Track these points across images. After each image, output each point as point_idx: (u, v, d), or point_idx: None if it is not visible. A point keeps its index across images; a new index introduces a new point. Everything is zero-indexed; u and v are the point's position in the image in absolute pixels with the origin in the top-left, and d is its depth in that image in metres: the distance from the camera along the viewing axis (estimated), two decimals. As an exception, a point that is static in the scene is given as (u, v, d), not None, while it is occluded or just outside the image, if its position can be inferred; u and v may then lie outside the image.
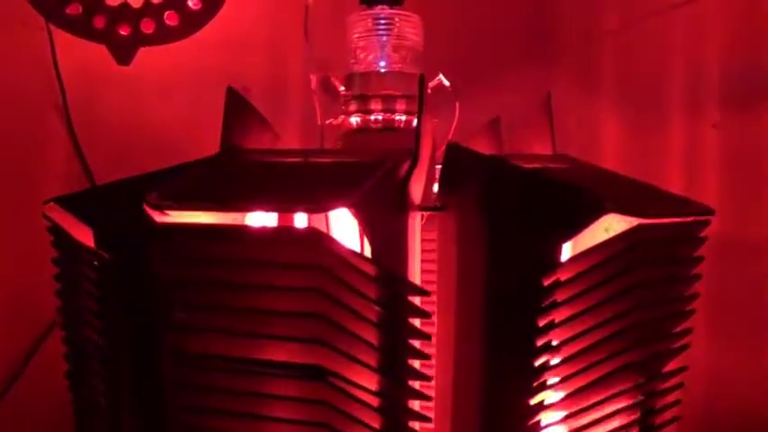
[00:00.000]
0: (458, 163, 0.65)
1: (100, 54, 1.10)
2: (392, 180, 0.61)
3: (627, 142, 1.15)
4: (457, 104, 0.85)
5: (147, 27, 1.10)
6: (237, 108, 0.74)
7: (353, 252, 0.54)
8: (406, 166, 0.64)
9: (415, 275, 0.65)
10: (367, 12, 0.82)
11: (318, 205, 0.52)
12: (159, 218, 0.56)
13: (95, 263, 0.71)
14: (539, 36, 1.19)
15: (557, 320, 0.59)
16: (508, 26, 1.19)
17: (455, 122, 0.87)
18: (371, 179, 0.57)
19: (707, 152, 1.07)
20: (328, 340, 0.53)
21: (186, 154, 1.15)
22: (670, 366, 0.67)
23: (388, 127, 0.80)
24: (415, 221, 0.67)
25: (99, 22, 1.09)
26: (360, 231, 0.58)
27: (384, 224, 0.58)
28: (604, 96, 1.17)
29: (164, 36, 1.11)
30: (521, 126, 0.81)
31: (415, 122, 0.81)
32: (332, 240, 0.53)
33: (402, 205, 0.63)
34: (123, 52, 1.10)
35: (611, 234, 0.59)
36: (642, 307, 0.61)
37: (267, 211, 0.55)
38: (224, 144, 0.72)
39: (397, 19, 0.81)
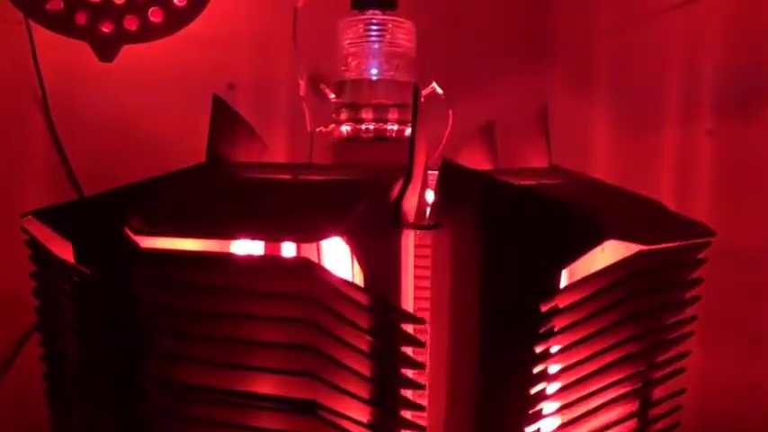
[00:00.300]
0: (452, 180, 0.63)
1: (81, 51, 1.06)
2: (385, 201, 0.58)
3: (620, 146, 1.13)
4: (450, 112, 0.83)
5: (131, 24, 1.06)
6: (224, 117, 0.71)
7: (345, 281, 0.51)
8: (399, 184, 0.61)
9: (408, 297, 0.62)
10: (358, 17, 0.78)
11: (309, 234, 0.49)
12: (142, 243, 0.53)
13: (75, 279, 0.68)
14: (533, 38, 1.16)
15: (554, 348, 0.57)
16: (501, 28, 1.16)
17: (448, 130, 0.84)
18: (364, 202, 0.54)
19: (700, 159, 1.05)
20: (319, 373, 0.51)
21: (171, 153, 1.12)
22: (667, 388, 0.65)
23: (380, 137, 0.77)
24: (409, 240, 0.64)
25: (80, 19, 1.04)
26: (351, 256, 0.56)
27: (377, 248, 0.56)
28: (598, 99, 1.15)
29: (148, 33, 1.07)
30: (517, 137, 0.79)
31: (407, 132, 0.79)
32: (323, 270, 0.50)
33: (395, 226, 0.60)
34: (106, 49, 1.06)
35: (611, 259, 0.56)
36: (642, 335, 0.59)
37: (255, 239, 0.52)
38: (210, 155, 0.69)
39: (389, 25, 0.78)
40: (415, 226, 0.64)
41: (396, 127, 0.77)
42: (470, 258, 0.61)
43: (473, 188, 0.62)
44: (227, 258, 0.52)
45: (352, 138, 0.78)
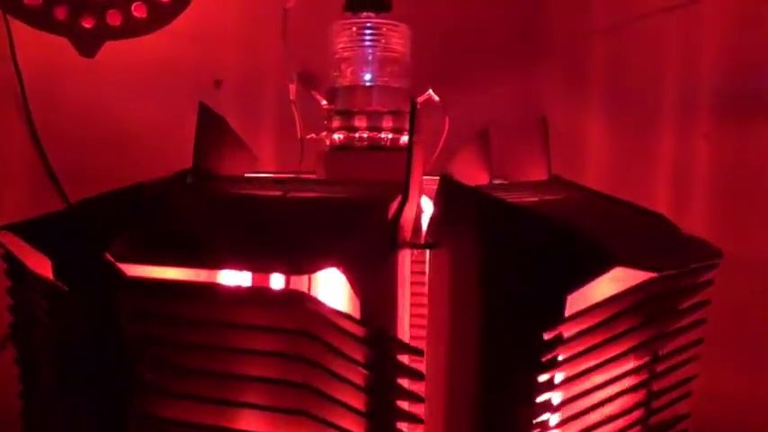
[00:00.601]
0: (451, 197, 0.59)
1: (62, 47, 1.01)
2: (382, 221, 0.55)
3: (613, 149, 1.10)
4: (447, 119, 0.79)
5: (114, 19, 1.01)
6: (210, 125, 0.67)
7: (340, 313, 0.47)
8: (396, 202, 0.58)
9: (405, 322, 0.59)
10: (352, 20, 0.74)
11: (303, 265, 0.45)
12: (124, 269, 0.49)
13: (53, 296, 0.64)
14: (526, 37, 1.12)
15: (557, 377, 0.54)
16: (494, 26, 1.12)
17: (444, 137, 0.80)
18: (359, 226, 0.50)
19: (697, 163, 1.02)
20: (312, 410, 0.47)
21: (154, 152, 1.09)
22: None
23: (374, 145, 0.74)
24: (405, 259, 0.61)
25: (60, 14, 0.99)
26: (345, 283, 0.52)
27: (373, 274, 0.52)
28: (592, 100, 1.11)
29: (131, 29, 1.02)
30: (510, 139, 0.75)
31: (402, 140, 0.75)
32: (316, 302, 0.46)
33: (392, 247, 0.56)
34: (87, 45, 1.01)
35: (617, 284, 0.53)
36: (648, 363, 0.56)
37: (243, 270, 0.49)
38: (196, 167, 0.65)
39: (384, 29, 0.74)
40: (413, 245, 0.60)
41: (390, 135, 0.74)
42: (470, 280, 0.57)
43: (473, 206, 0.59)
44: (214, 289, 0.48)
45: (345, 146, 0.74)
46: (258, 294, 0.48)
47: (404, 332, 0.58)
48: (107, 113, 1.06)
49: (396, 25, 0.75)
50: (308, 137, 0.77)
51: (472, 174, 0.80)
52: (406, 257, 0.60)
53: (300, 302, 0.46)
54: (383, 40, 0.74)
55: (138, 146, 1.06)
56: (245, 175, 0.66)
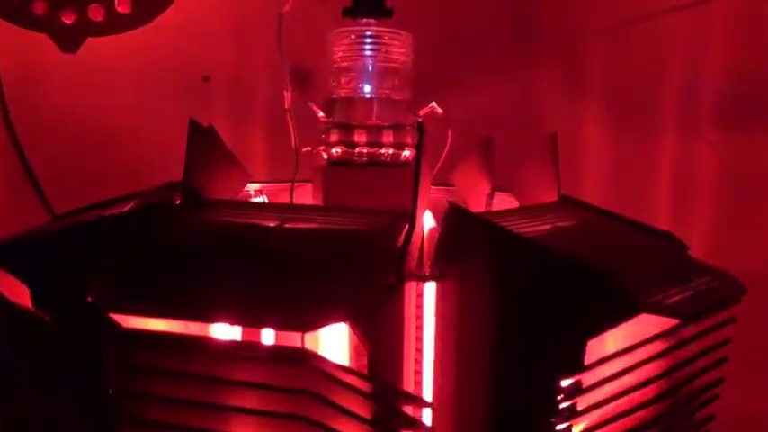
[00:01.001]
0: (461, 227, 0.54)
1: (42, 43, 0.94)
2: (388, 260, 0.50)
3: (614, 153, 1.05)
4: (450, 132, 0.74)
5: (96, 14, 0.95)
6: (201, 144, 0.61)
7: (344, 368, 0.43)
8: (400, 233, 0.53)
9: (410, 361, 0.55)
10: (351, 28, 0.69)
11: (306, 322, 0.40)
12: (110, 316, 0.44)
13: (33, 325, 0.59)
14: (524, 37, 1.07)
15: (574, 427, 0.50)
16: (491, 25, 1.07)
17: (446, 150, 0.75)
18: (364, 269, 0.46)
19: (701, 172, 0.98)
20: (314, 473, 0.43)
21: (139, 151, 1.03)
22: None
23: (374, 161, 0.69)
24: (411, 292, 0.56)
25: (39, 8, 0.93)
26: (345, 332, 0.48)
27: (380, 318, 0.47)
28: (592, 102, 1.06)
29: (115, 24, 0.96)
30: (524, 165, 0.71)
31: (403, 155, 0.70)
32: (320, 359, 0.42)
33: (398, 283, 0.51)
34: (68, 41, 0.95)
35: (641, 329, 0.49)
36: (670, 407, 0.52)
37: (240, 324, 0.44)
38: (185, 189, 0.59)
39: (385, 38, 0.69)
40: (419, 277, 0.56)
41: (391, 151, 0.69)
42: (481, 317, 0.53)
43: (484, 238, 0.54)
44: (205, 342, 0.43)
45: (344, 161, 0.69)
46: (255, 350, 0.43)
47: (409, 374, 0.53)
48: (89, 113, 1.00)
49: (397, 34, 0.69)
50: (303, 150, 0.72)
51: (474, 184, 0.76)
52: (411, 290, 0.56)
53: (302, 360, 0.41)
54: (384, 50, 0.69)
55: (122, 146, 1.01)
56: (238, 196, 0.61)
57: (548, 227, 0.58)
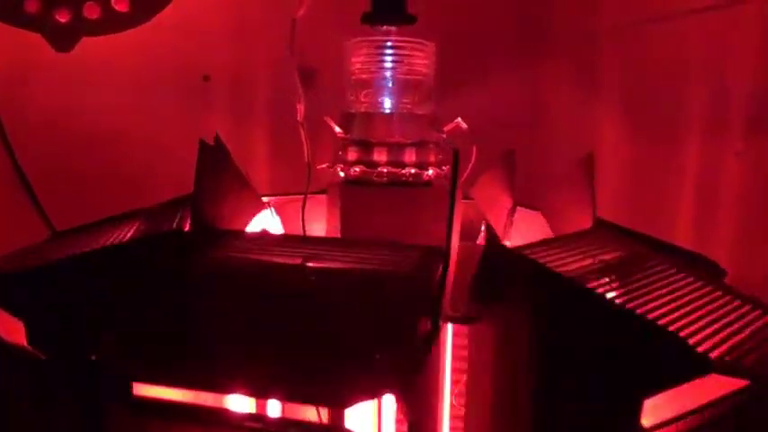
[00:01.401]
0: (501, 268, 0.49)
1: (34, 43, 0.88)
2: (423, 305, 0.45)
3: (629, 155, 0.99)
4: (474, 148, 0.68)
5: (91, 12, 0.88)
6: (211, 167, 0.56)
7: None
8: (435, 274, 0.48)
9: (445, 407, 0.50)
10: (370, 38, 0.63)
11: (345, 398, 0.35)
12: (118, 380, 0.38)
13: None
14: (536, 36, 1.01)
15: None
16: (500, 22, 1.00)
17: (471, 165, 0.70)
18: (401, 327, 0.40)
19: (726, 183, 0.92)
20: None
21: (133, 153, 0.97)
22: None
23: (395, 181, 0.63)
24: (446, 336, 0.51)
25: (32, 7, 0.86)
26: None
27: (420, 373, 0.42)
28: (606, 103, 1.01)
29: (111, 23, 0.90)
30: (557, 184, 0.65)
31: (426, 174, 0.65)
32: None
33: (434, 333, 0.46)
34: (63, 41, 0.89)
35: (704, 390, 0.44)
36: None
37: (273, 398, 0.38)
38: (195, 217, 0.54)
39: (407, 48, 0.63)
40: (452, 318, 0.51)
41: (413, 170, 0.63)
42: (520, 367, 0.48)
43: (529, 280, 0.49)
44: (223, 415, 0.38)
45: (363, 181, 0.63)
46: (285, 427, 0.38)
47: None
48: (84, 112, 0.94)
49: (421, 44, 0.63)
50: (319, 167, 0.66)
51: (495, 198, 0.71)
52: (446, 333, 0.51)
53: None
54: (406, 62, 0.63)
55: (119, 146, 0.95)
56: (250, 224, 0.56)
57: (592, 262, 0.53)
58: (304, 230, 0.71)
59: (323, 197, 0.72)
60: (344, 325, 0.40)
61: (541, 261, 0.49)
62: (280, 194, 0.78)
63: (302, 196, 0.69)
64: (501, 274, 0.49)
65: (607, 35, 1.00)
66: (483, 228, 0.77)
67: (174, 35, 0.93)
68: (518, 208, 0.82)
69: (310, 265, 0.47)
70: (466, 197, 0.72)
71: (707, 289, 0.54)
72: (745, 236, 0.90)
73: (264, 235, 0.54)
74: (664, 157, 0.98)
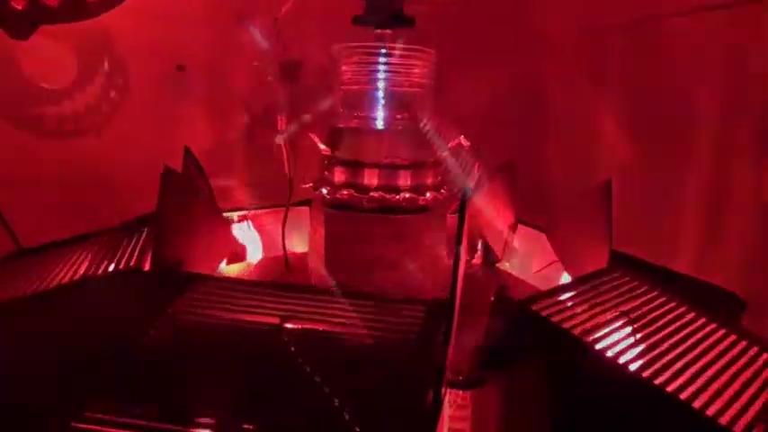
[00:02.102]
0: (514, 332, 0.42)
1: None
2: (423, 379, 0.37)
3: (637, 163, 0.92)
4: (477, 164, 0.60)
5: (51, -1, 0.79)
6: (176, 200, 0.47)
7: None
8: (438, 337, 0.40)
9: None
10: (361, 44, 0.54)
11: None
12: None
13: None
14: (538, 34, 0.93)
15: None
16: (498, 17, 0.92)
17: (475, 182, 0.62)
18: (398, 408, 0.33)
19: (736, 187, 0.85)
20: None
21: (101, 151, 0.89)
22: None
23: (387, 206, 0.55)
24: (446, 402, 0.44)
25: (-17, -8, 0.76)
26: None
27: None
28: (611, 102, 0.93)
29: (73, 11, 0.80)
30: (574, 211, 0.58)
31: (424, 198, 0.57)
32: None
33: (436, 410, 0.39)
34: (19, 30, 0.79)
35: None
36: None
37: None
38: (157, 258, 0.46)
39: (404, 56, 0.54)
40: (454, 384, 0.43)
41: (408, 195, 0.55)
42: (532, 425, 0.41)
43: (546, 345, 0.42)
44: None
45: (351, 205, 0.55)
46: None
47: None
48: (46, 106, 0.85)
49: (419, 50, 0.55)
50: (303, 186, 0.58)
51: (496, 214, 0.64)
52: (446, 400, 0.43)
53: None
54: (402, 71, 0.54)
55: (83, 144, 0.86)
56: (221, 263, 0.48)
57: (614, 316, 0.45)
58: (285, 249, 0.64)
59: (305, 209, 0.65)
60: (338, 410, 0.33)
61: (563, 323, 0.42)
62: (259, 208, 0.70)
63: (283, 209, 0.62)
64: (515, 339, 0.42)
65: (607, 32, 0.93)
66: (480, 246, 0.70)
67: (146, 22, 0.84)
68: (519, 226, 0.75)
69: (288, 326, 0.39)
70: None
71: (726, 339, 0.47)
72: (755, 250, 0.84)
73: (236, 282, 0.45)
74: (672, 166, 0.91)
